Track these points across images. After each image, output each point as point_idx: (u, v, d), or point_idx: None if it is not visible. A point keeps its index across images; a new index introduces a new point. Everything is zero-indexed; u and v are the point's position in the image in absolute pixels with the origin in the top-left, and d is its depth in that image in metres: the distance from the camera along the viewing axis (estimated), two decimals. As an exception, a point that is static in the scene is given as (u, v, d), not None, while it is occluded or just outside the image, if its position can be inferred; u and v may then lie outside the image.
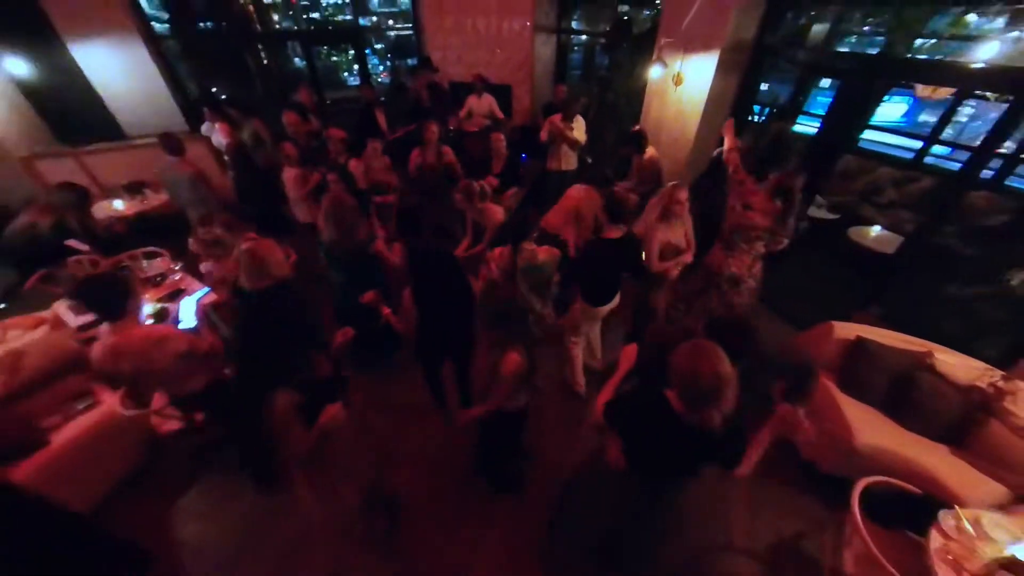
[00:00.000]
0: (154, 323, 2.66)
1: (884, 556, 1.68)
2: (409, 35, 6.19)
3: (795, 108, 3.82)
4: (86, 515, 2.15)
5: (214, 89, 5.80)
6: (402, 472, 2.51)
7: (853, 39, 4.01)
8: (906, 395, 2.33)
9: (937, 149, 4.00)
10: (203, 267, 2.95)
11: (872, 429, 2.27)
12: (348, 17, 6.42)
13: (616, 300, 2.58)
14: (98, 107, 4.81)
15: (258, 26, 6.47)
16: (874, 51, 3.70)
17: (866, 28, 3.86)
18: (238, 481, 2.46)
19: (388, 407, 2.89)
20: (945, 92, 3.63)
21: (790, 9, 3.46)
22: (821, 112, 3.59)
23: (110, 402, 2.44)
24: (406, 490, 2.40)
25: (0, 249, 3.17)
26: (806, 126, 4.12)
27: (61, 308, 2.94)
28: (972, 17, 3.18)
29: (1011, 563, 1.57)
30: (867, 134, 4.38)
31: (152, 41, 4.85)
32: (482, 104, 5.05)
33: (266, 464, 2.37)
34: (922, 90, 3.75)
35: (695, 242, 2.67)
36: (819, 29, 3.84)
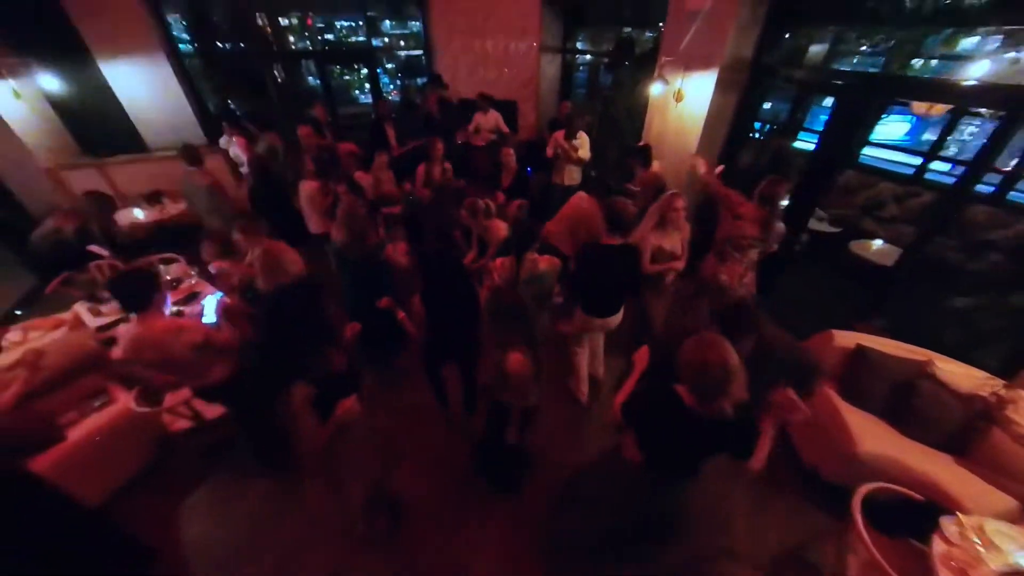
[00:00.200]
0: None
1: (888, 563, 1.67)
2: (419, 56, 6.47)
3: (795, 125, 3.93)
4: (97, 509, 2.20)
5: (232, 104, 6.06)
6: (403, 472, 2.54)
7: (852, 59, 4.14)
8: (907, 403, 2.34)
9: (939, 165, 4.09)
10: (213, 268, 3.05)
11: (874, 437, 2.28)
12: (361, 38, 6.71)
13: (619, 316, 2.62)
14: (123, 121, 5.06)
15: (275, 46, 6.79)
16: (871, 70, 3.82)
17: (863, 48, 3.99)
18: (244, 481, 2.51)
19: (391, 408, 2.93)
20: (941, 109, 3.72)
21: (786, 30, 3.60)
22: (821, 129, 3.69)
23: (124, 400, 2.52)
24: (407, 490, 2.43)
25: (27, 252, 3.32)
26: (807, 142, 4.22)
27: (81, 309, 3.05)
28: (967, 38, 3.29)
29: (1020, 574, 1.56)
30: (869, 150, 4.50)
31: (177, 60, 5.13)
32: (488, 120, 5.22)
33: (279, 454, 2.43)
34: (918, 107, 3.85)
35: (689, 251, 2.76)
36: (816, 49, 3.98)
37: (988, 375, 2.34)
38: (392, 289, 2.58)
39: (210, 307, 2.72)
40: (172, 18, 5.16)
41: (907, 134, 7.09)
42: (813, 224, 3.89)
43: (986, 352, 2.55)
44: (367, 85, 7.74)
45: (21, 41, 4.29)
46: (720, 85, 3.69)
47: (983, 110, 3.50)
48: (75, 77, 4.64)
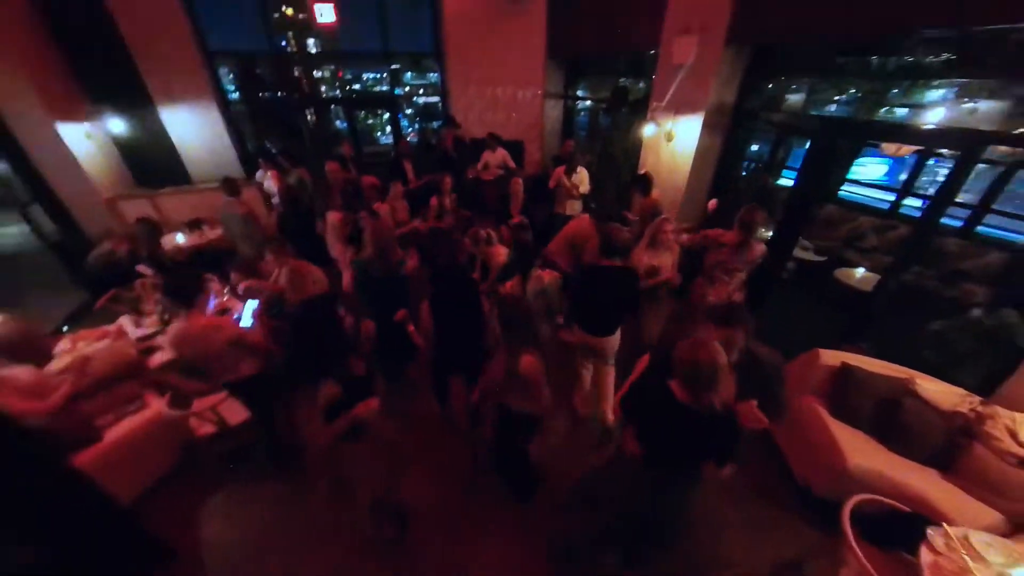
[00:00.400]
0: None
1: (878, 575, 1.71)
2: (436, 102, 7.17)
3: (777, 163, 4.25)
4: (127, 508, 2.33)
5: (268, 144, 6.76)
6: (410, 479, 2.63)
7: (827, 106, 4.54)
8: (893, 419, 2.40)
9: (913, 201, 4.46)
10: (241, 288, 3.37)
11: (863, 453, 2.34)
12: (385, 88, 7.50)
13: (616, 337, 2.72)
14: (173, 157, 5.71)
15: (309, 95, 7.60)
16: (843, 115, 4.19)
17: (837, 97, 4.40)
18: (257, 485, 2.64)
19: (400, 416, 3.06)
20: (908, 149, 4.03)
21: (766, 80, 4.02)
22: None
23: (156, 406, 2.74)
24: (414, 496, 2.50)
25: (82, 271, 3.73)
26: (790, 180, 4.54)
27: (125, 321, 3.39)
28: (926, 90, 3.66)
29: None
30: (851, 187, 4.84)
31: (224, 106, 5.85)
32: (496, 157, 5.71)
33: (291, 454, 2.60)
34: (887, 147, 4.17)
35: (681, 277, 3.00)
36: (794, 98, 4.38)
37: (966, 392, 2.42)
38: (408, 304, 2.85)
39: (247, 311, 3.02)
40: (223, 71, 5.93)
41: (886, 174, 8.16)
42: (799, 253, 4.10)
43: (963, 371, 2.65)
44: (388, 128, 8.51)
45: (99, 91, 5.01)
46: (706, 127, 4.08)
47: (944, 150, 3.79)
48: (138, 121, 5.34)
